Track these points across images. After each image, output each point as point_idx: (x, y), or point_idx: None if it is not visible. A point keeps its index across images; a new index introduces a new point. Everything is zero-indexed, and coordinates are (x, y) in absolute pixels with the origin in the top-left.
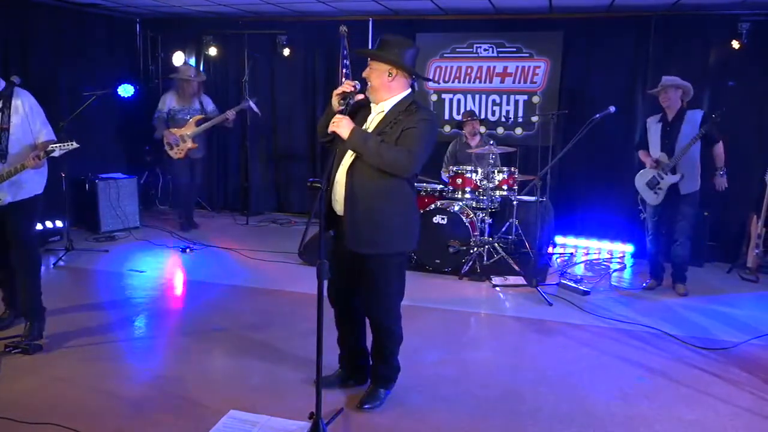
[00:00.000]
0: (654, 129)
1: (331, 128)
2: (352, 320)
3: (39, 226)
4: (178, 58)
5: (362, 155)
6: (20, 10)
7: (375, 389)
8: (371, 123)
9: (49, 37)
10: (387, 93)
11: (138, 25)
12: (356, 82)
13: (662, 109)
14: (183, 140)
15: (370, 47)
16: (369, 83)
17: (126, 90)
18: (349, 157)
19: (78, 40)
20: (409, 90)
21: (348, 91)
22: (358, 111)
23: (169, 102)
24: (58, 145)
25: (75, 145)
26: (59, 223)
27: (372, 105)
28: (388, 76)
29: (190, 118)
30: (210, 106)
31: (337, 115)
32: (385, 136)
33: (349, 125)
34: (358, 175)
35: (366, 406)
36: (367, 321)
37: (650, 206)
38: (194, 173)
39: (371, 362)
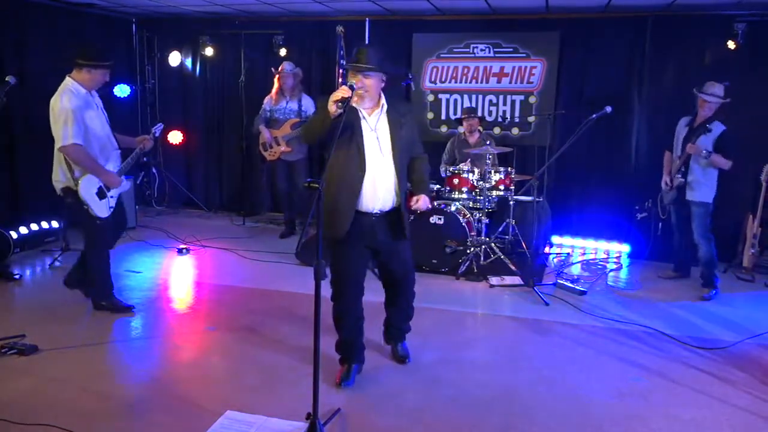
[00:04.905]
0: (682, 131)
1: (420, 207)
2: (362, 311)
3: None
4: (174, 59)
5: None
6: (16, 10)
7: (403, 345)
8: (379, 126)
9: (44, 38)
10: (378, 96)
11: (134, 26)
12: (353, 83)
13: (694, 110)
14: (277, 142)
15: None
16: (364, 91)
17: (122, 90)
18: (385, 161)
19: (74, 41)
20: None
21: (345, 96)
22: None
23: (267, 101)
24: None
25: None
26: (55, 224)
27: (360, 108)
28: (381, 81)
29: (287, 119)
30: (310, 109)
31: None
32: (405, 138)
33: (426, 199)
34: (401, 174)
35: (410, 360)
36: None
37: (666, 204)
38: (292, 176)
39: (396, 325)
